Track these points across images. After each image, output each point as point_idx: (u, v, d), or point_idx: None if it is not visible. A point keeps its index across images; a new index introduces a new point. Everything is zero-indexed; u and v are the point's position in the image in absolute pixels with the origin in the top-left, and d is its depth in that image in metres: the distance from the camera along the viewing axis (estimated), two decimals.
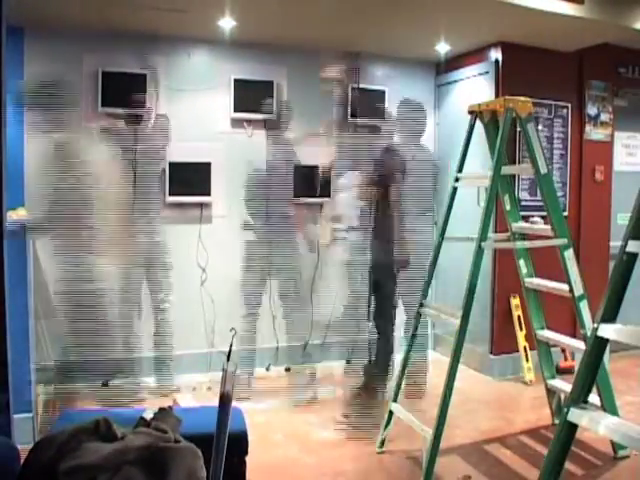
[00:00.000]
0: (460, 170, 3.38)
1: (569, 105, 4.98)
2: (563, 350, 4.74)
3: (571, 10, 3.98)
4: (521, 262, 3.65)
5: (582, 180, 5.05)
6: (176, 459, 1.58)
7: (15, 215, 3.54)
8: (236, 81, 4.68)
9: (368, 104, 4.97)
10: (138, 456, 1.56)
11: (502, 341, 4.81)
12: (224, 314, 4.69)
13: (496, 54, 4.76)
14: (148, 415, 2.12)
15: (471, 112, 3.41)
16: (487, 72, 4.81)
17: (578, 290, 3.25)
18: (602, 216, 5.12)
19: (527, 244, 3.46)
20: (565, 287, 3.28)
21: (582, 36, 4.49)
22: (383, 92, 5.08)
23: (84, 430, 1.63)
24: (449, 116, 5.27)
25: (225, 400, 1.69)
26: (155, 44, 4.49)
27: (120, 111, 4.41)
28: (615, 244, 5.12)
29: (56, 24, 4.15)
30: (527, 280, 3.64)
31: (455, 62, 5.14)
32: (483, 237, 3.04)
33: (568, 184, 5.00)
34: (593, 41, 4.66)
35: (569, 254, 3.25)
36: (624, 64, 5.20)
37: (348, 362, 4.93)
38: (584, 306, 3.26)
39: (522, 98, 3.24)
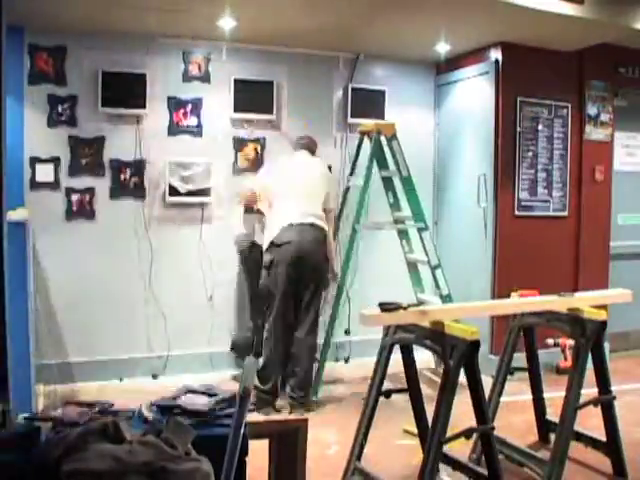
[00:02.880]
0: (351, 174, 4.73)
1: (569, 105, 4.97)
2: (563, 350, 4.74)
3: (571, 10, 3.98)
4: (403, 242, 4.77)
5: (582, 180, 5.04)
6: (181, 477, 1.57)
7: (15, 215, 3.54)
8: (236, 81, 4.68)
9: (368, 104, 4.98)
10: (142, 468, 1.55)
11: (502, 341, 4.79)
12: (223, 314, 4.70)
13: (496, 54, 4.76)
14: (144, 412, 2.12)
15: (361, 132, 4.63)
16: (487, 72, 4.81)
17: (434, 261, 4.55)
18: (602, 216, 5.09)
19: (397, 227, 4.72)
20: (425, 258, 4.58)
21: (582, 36, 4.50)
22: (383, 92, 5.08)
23: (92, 432, 1.63)
24: (449, 116, 5.27)
25: (244, 394, 1.70)
26: (155, 44, 4.50)
27: (120, 111, 4.41)
28: (615, 244, 5.11)
29: (56, 24, 4.15)
30: (408, 255, 4.78)
31: (455, 62, 5.13)
32: (357, 221, 4.35)
33: (568, 184, 4.99)
34: (593, 41, 4.66)
35: (426, 235, 4.57)
36: (624, 64, 5.19)
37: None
38: (439, 273, 4.54)
39: (388, 122, 4.62)
